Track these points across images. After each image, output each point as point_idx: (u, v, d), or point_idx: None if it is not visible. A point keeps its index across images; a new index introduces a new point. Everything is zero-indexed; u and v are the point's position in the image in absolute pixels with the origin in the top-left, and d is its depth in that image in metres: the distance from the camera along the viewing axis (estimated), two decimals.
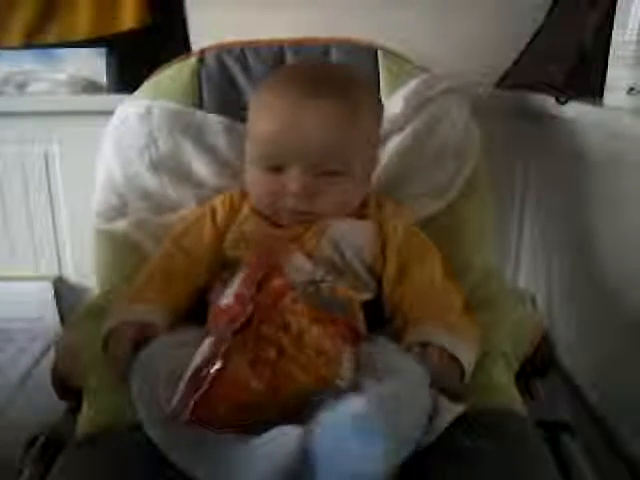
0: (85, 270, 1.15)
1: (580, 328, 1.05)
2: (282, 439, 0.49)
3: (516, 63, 1.16)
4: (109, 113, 0.92)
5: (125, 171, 0.88)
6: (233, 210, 0.80)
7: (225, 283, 0.69)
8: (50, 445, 0.66)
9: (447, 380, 0.62)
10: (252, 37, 0.96)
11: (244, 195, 0.81)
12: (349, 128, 0.73)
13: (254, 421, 0.52)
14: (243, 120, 0.88)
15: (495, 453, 0.59)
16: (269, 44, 0.95)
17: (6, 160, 1.18)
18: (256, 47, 0.95)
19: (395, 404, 0.53)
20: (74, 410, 0.70)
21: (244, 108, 0.86)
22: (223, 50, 0.94)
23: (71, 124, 1.15)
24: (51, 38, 1.18)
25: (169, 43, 1.17)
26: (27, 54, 1.17)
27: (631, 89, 0.88)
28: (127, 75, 1.18)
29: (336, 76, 0.77)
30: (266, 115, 0.75)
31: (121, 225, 0.87)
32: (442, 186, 0.89)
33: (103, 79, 1.17)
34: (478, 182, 0.92)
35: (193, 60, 0.93)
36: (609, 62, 0.92)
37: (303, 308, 0.56)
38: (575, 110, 0.98)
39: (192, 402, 0.50)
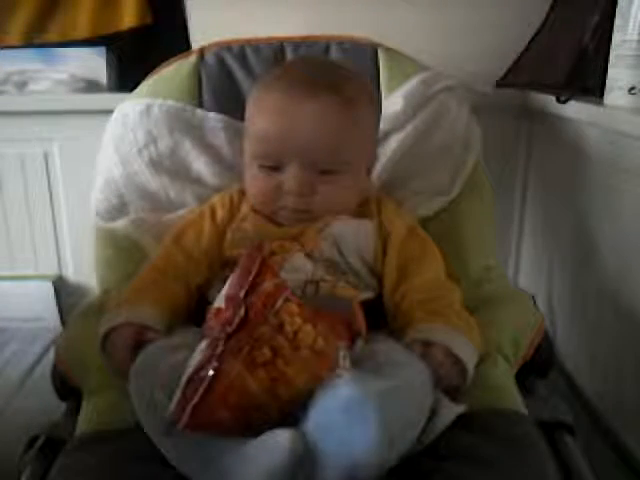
0: (85, 269, 1.15)
1: (580, 328, 1.04)
2: (273, 443, 0.49)
3: (517, 62, 1.16)
4: (109, 112, 0.92)
5: (125, 170, 0.88)
6: (232, 209, 0.80)
7: (225, 282, 0.69)
8: (50, 445, 0.66)
9: (449, 380, 0.62)
10: (252, 35, 0.95)
11: (243, 194, 0.81)
12: (347, 126, 0.73)
13: (254, 423, 0.52)
14: (243, 118, 0.88)
15: (495, 453, 0.59)
16: (269, 42, 0.95)
17: (6, 159, 1.18)
18: (256, 45, 0.95)
19: (393, 394, 0.53)
20: (74, 410, 0.70)
21: (244, 106, 0.86)
22: (223, 48, 0.94)
23: (71, 123, 1.15)
24: (51, 37, 1.18)
25: (169, 42, 1.17)
26: (27, 53, 1.17)
27: (631, 88, 0.88)
28: (127, 74, 1.18)
29: (333, 73, 0.77)
30: (264, 113, 0.75)
31: (121, 224, 0.87)
32: (443, 184, 0.89)
33: (103, 78, 1.17)
34: (479, 180, 0.92)
35: (193, 58, 0.93)
36: (609, 62, 0.92)
37: (296, 307, 0.55)
38: (575, 109, 0.98)
39: (189, 408, 0.49)
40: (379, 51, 0.94)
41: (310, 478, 0.49)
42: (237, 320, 0.52)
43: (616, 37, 0.90)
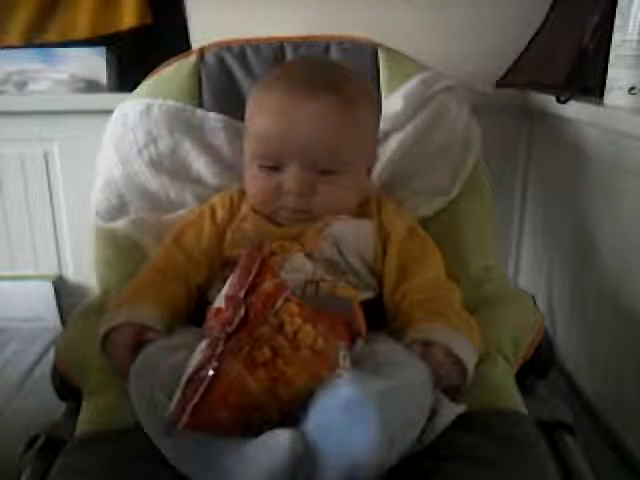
0: (85, 269, 1.15)
1: (580, 328, 1.04)
2: (273, 443, 0.49)
3: (517, 62, 1.16)
4: (109, 112, 0.92)
5: (125, 170, 0.88)
6: (232, 209, 0.80)
7: (225, 282, 0.69)
8: (50, 445, 0.66)
9: (450, 380, 0.62)
10: (252, 35, 0.95)
11: (243, 194, 0.81)
12: (347, 126, 0.73)
13: (254, 423, 0.52)
14: (243, 118, 0.88)
15: (495, 453, 0.59)
16: (269, 42, 0.95)
17: (6, 159, 1.18)
18: (256, 45, 0.95)
19: (393, 394, 0.53)
20: (74, 410, 0.70)
21: (244, 106, 0.86)
22: (223, 48, 0.94)
23: (71, 123, 1.15)
24: (51, 37, 1.18)
25: (169, 42, 1.17)
26: (27, 53, 1.17)
27: (631, 88, 0.88)
28: (127, 74, 1.18)
29: (333, 73, 0.77)
30: (264, 113, 0.75)
31: (121, 224, 0.87)
32: (443, 184, 0.89)
33: (103, 78, 1.17)
34: (479, 180, 0.91)
35: (193, 58, 0.93)
36: (609, 62, 0.92)
37: (296, 307, 0.55)
38: (575, 109, 0.98)
39: (189, 408, 0.49)
40: (379, 51, 0.94)
41: (310, 478, 0.49)
42: (237, 320, 0.52)
43: (616, 37, 0.90)
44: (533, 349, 0.76)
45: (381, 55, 0.94)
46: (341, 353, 0.56)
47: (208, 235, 0.78)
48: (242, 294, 0.54)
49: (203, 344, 0.53)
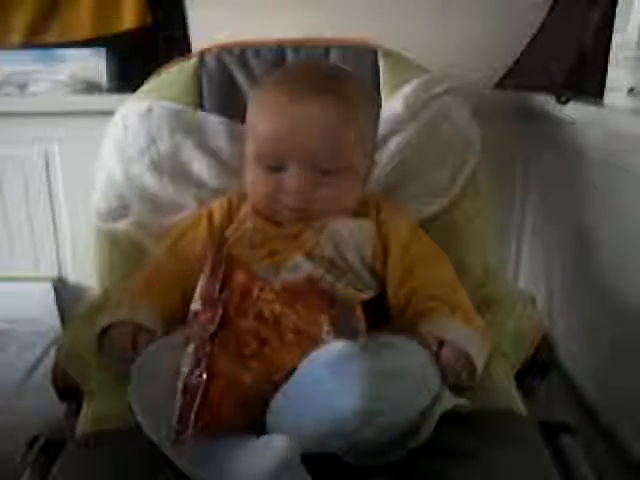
0: (85, 271, 1.15)
1: (580, 328, 1.05)
2: (268, 451, 0.49)
3: (517, 63, 1.16)
4: (109, 113, 0.92)
5: (126, 171, 0.88)
6: (231, 212, 0.80)
7: None
8: (50, 445, 0.66)
9: (458, 378, 0.63)
10: (253, 37, 0.96)
11: (243, 196, 0.81)
12: (347, 127, 0.74)
13: (257, 412, 0.52)
14: (243, 121, 0.88)
15: (495, 454, 0.60)
16: (269, 44, 0.95)
17: (6, 160, 1.18)
18: (256, 47, 0.95)
19: (386, 359, 0.55)
20: (74, 410, 0.70)
21: (244, 108, 0.86)
22: (223, 51, 0.94)
23: (71, 124, 1.15)
24: (51, 38, 1.18)
25: (169, 44, 1.17)
26: (28, 54, 1.17)
27: (631, 89, 0.89)
28: (127, 75, 1.18)
29: (333, 76, 0.78)
30: (265, 114, 0.75)
31: (122, 225, 0.87)
32: (443, 186, 0.89)
33: (103, 79, 1.17)
34: (479, 182, 0.92)
35: (193, 61, 0.93)
36: (609, 62, 0.92)
37: (272, 294, 0.56)
38: (575, 110, 0.98)
39: (192, 415, 0.50)
40: (379, 54, 0.94)
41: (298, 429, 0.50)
42: (217, 319, 0.53)
43: (616, 38, 0.90)
44: (533, 350, 0.77)
45: (381, 58, 0.94)
46: (325, 328, 0.56)
47: (204, 239, 0.78)
48: (216, 291, 0.54)
49: (190, 348, 0.53)
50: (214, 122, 0.90)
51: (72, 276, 1.25)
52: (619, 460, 0.88)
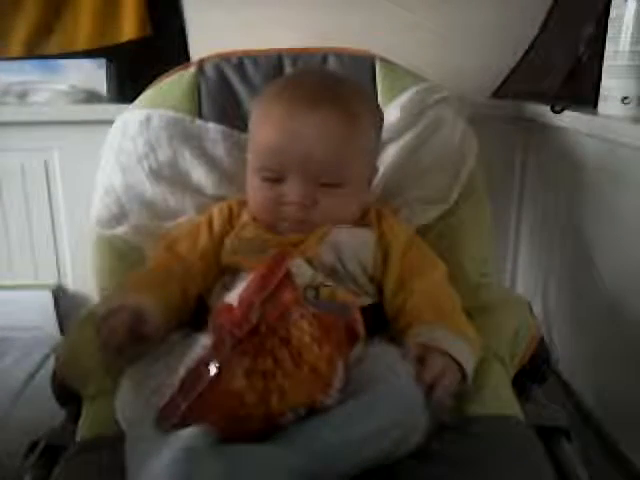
0: (85, 279, 1.15)
1: (577, 333, 1.05)
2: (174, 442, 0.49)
3: (512, 73, 1.17)
4: (109, 123, 0.93)
5: (125, 179, 0.89)
6: (231, 218, 0.81)
7: (226, 286, 0.69)
8: (50, 450, 0.67)
9: (449, 386, 0.62)
10: (251, 46, 0.96)
11: (244, 203, 0.81)
12: (349, 140, 0.74)
13: (241, 428, 0.52)
14: (242, 129, 0.89)
15: (492, 458, 0.60)
16: (267, 53, 0.96)
17: (6, 169, 1.19)
18: (254, 56, 0.96)
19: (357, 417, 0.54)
20: (74, 416, 0.70)
21: (243, 117, 0.87)
22: (222, 59, 0.95)
23: (71, 134, 1.15)
24: (52, 49, 1.19)
25: (169, 53, 1.18)
26: (28, 64, 1.17)
27: (624, 98, 0.90)
28: (127, 85, 1.19)
29: (336, 86, 0.78)
30: (267, 126, 0.76)
31: (121, 230, 0.88)
32: (441, 192, 0.90)
33: (103, 89, 1.18)
34: (475, 189, 0.92)
35: (192, 69, 0.94)
36: (603, 72, 0.93)
37: (308, 326, 0.55)
38: (570, 119, 0.99)
39: (184, 406, 0.50)
40: (376, 63, 0.95)
41: None
42: (247, 327, 0.52)
43: (609, 48, 0.91)
44: (530, 354, 0.77)
45: (378, 67, 0.94)
46: (337, 375, 0.56)
47: (203, 244, 0.78)
48: (259, 300, 0.54)
49: (207, 340, 0.53)
50: (213, 130, 0.90)
51: (71, 284, 1.25)
52: (615, 465, 0.88)
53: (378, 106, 0.86)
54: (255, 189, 0.77)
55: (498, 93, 1.18)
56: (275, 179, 0.75)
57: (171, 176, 0.89)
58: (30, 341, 1.13)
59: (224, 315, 0.54)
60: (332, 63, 0.96)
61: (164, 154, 0.89)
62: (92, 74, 1.17)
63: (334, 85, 0.78)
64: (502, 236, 1.24)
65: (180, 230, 0.83)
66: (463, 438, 0.62)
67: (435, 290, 0.74)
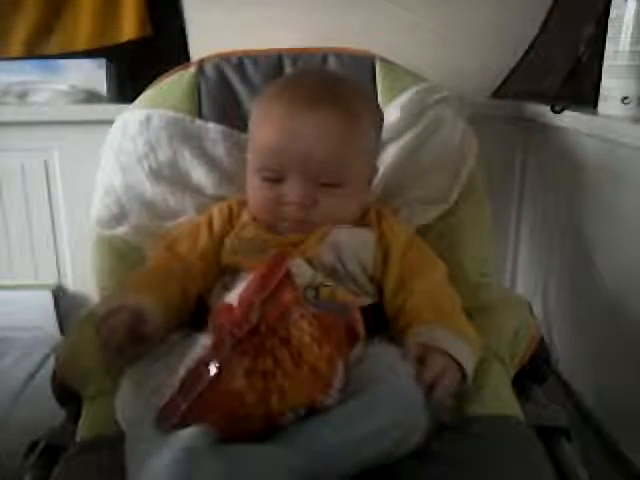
0: (85, 279, 1.15)
1: (577, 333, 1.05)
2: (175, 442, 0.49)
3: (512, 73, 1.17)
4: (109, 123, 0.93)
5: (125, 179, 0.89)
6: (232, 218, 0.81)
7: (226, 286, 0.69)
8: (50, 451, 0.67)
9: (449, 386, 0.63)
10: (252, 46, 0.96)
11: (244, 203, 0.81)
12: (349, 140, 0.74)
13: (240, 428, 0.52)
14: (242, 129, 0.89)
15: (492, 458, 0.60)
16: (267, 53, 0.96)
17: (6, 169, 1.19)
18: (254, 56, 0.96)
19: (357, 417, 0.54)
20: (74, 416, 0.70)
21: (243, 117, 0.87)
22: (221, 59, 0.95)
23: (71, 134, 1.16)
24: (52, 49, 1.19)
25: (169, 53, 1.18)
26: (28, 64, 1.17)
27: (624, 98, 0.90)
28: (127, 85, 1.19)
29: (336, 86, 0.78)
30: (267, 126, 0.76)
31: (122, 230, 0.88)
32: (441, 192, 0.90)
33: (103, 89, 1.18)
34: (475, 189, 0.92)
35: (192, 69, 0.94)
36: (603, 72, 0.93)
37: (308, 326, 0.55)
38: (570, 119, 0.99)
39: (184, 406, 0.50)
40: (376, 63, 0.95)
41: None
42: (247, 327, 0.52)
43: (608, 48, 0.92)
44: (530, 354, 0.77)
45: (378, 67, 0.95)
46: (337, 375, 0.56)
47: (203, 243, 0.78)
48: (259, 300, 0.54)
49: (207, 340, 0.53)
50: (213, 130, 0.90)
51: (71, 284, 1.25)
52: (615, 465, 0.88)
53: (378, 106, 0.86)
54: (255, 189, 0.77)
55: (498, 93, 1.18)
56: (275, 179, 0.75)
57: (171, 176, 0.89)
58: (30, 341, 1.13)
59: (224, 315, 0.54)
60: (332, 63, 0.96)
61: (164, 154, 0.89)
62: (92, 74, 1.17)
63: (334, 85, 0.78)
64: (502, 236, 1.24)
65: (180, 230, 0.83)
66: (463, 438, 0.62)
67: (435, 290, 0.74)
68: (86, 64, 1.17)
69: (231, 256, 0.76)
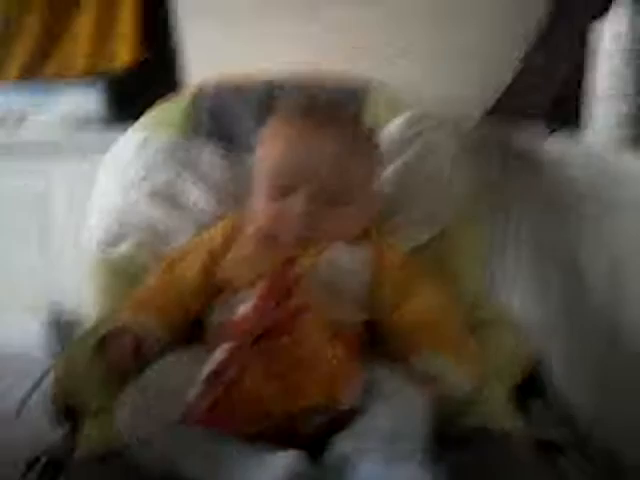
0: (82, 304, 1.14)
1: (576, 351, 1.05)
2: (277, 462, 0.51)
3: (500, 100, 1.19)
4: (105, 147, 0.94)
5: (123, 200, 0.90)
6: (232, 235, 0.81)
7: (227, 304, 0.70)
8: (50, 466, 0.66)
9: (448, 408, 0.65)
10: (247, 69, 0.99)
11: (242, 221, 0.82)
12: (354, 159, 0.76)
13: (264, 430, 0.53)
14: (239, 150, 0.91)
15: (490, 473, 0.60)
16: (262, 77, 0.98)
17: (2, 195, 1.19)
18: (250, 80, 0.98)
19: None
20: (73, 432, 0.70)
21: (239, 138, 0.89)
22: (218, 83, 0.98)
23: (68, 158, 1.16)
24: (48, 74, 1.20)
25: (165, 78, 1.19)
26: (24, 90, 1.18)
27: (613, 122, 0.91)
28: (123, 110, 1.20)
29: (338, 112, 0.83)
30: (279, 143, 0.78)
31: (120, 252, 0.88)
32: (431, 216, 0.91)
33: (99, 114, 1.19)
34: (469, 211, 0.94)
35: (189, 94, 0.96)
36: (590, 96, 0.94)
37: (321, 327, 0.57)
38: (556, 145, 1.01)
39: (208, 403, 0.51)
40: (368, 88, 0.97)
41: None
42: (263, 330, 0.54)
43: (593, 74, 0.93)
44: (527, 370, 0.78)
45: (369, 92, 0.97)
46: (356, 379, 0.58)
47: (202, 263, 0.79)
48: (273, 303, 0.56)
49: (225, 346, 0.55)
50: (210, 153, 0.92)
51: (69, 305, 1.24)
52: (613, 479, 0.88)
53: (374, 131, 0.88)
54: (260, 206, 0.79)
55: (490, 113, 1.20)
56: (280, 196, 0.76)
57: (169, 197, 0.90)
58: (27, 363, 1.12)
59: (238, 326, 0.56)
60: (325, 88, 0.98)
61: (162, 176, 0.90)
62: (88, 99, 1.18)
63: (337, 111, 0.83)
64: (498, 256, 1.25)
65: (180, 250, 0.83)
66: (462, 451, 0.62)
67: (430, 309, 0.75)
68: (82, 89, 1.19)
69: (229, 273, 0.77)
